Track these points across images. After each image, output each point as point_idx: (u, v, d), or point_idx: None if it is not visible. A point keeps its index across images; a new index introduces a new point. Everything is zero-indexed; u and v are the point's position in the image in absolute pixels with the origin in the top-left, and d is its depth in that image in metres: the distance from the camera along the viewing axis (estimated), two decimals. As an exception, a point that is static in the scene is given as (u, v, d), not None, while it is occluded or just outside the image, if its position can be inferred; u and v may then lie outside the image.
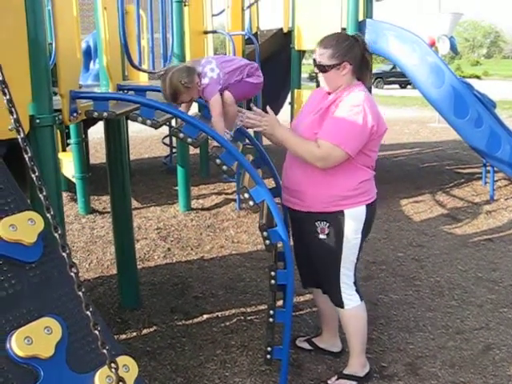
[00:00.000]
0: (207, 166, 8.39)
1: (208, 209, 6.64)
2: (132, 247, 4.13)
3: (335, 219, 2.89)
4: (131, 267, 4.11)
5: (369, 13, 7.65)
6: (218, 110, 2.83)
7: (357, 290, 3.07)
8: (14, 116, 1.50)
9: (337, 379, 3.13)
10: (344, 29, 7.04)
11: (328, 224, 2.90)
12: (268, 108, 2.96)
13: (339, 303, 3.05)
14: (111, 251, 5.04)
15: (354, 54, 2.84)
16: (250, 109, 3.02)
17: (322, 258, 2.98)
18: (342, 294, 3.01)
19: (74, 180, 6.38)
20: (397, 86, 31.87)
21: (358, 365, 3.13)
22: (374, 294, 4.23)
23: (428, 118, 15.81)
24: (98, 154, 9.93)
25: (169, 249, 5.28)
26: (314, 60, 2.89)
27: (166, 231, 5.79)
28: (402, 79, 30.45)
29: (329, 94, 2.95)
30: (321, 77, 2.91)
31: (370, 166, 2.95)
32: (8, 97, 1.50)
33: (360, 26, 7.11)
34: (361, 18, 7.22)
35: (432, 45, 11.87)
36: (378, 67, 31.27)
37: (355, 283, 3.06)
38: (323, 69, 2.85)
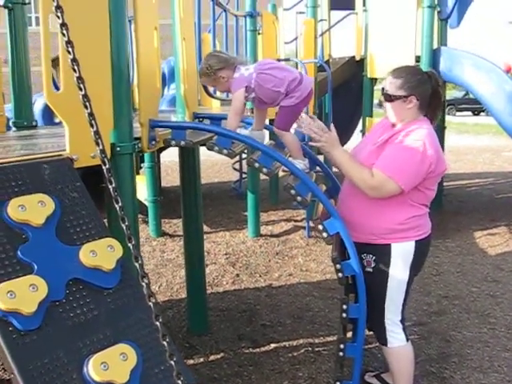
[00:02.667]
0: (277, 192, 8.42)
1: (277, 235, 6.64)
2: (202, 272, 4.17)
3: (382, 252, 2.81)
4: (200, 292, 4.14)
5: (443, 40, 7.51)
6: (237, 106, 2.84)
7: (403, 329, 2.96)
8: (100, 147, 1.55)
9: None
10: (418, 57, 6.95)
11: (374, 257, 2.83)
12: (332, 125, 2.93)
13: (383, 340, 2.97)
14: (181, 275, 5.10)
15: (423, 89, 2.80)
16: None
17: (367, 292, 2.87)
18: (386, 332, 2.93)
19: (146, 203, 6.52)
20: (469, 112, 31.08)
21: None
22: (446, 331, 4.09)
23: (503, 146, 15.32)
24: (169, 177, 10.14)
25: (237, 275, 5.30)
26: (383, 88, 2.87)
27: (235, 257, 5.82)
28: (474, 106, 29.68)
29: (393, 126, 2.91)
30: (386, 106, 2.88)
31: (424, 204, 2.86)
32: (95, 128, 1.55)
33: (435, 54, 7.00)
34: (435, 46, 7.12)
35: (508, 71, 11.58)
36: (449, 94, 30.61)
37: (402, 322, 2.95)
38: (389, 98, 2.82)
